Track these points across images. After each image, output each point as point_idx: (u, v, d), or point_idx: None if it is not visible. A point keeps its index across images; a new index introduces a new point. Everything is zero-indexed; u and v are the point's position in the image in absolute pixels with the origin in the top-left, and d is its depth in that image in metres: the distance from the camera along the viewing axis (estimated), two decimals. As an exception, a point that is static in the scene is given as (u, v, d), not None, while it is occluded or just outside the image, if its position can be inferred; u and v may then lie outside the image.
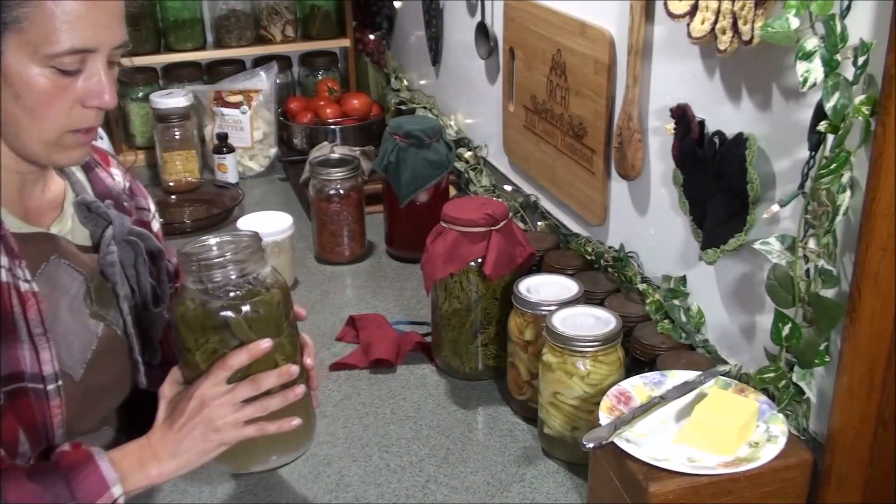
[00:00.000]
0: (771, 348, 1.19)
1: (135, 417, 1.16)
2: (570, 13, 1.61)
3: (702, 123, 1.25)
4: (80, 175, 1.16)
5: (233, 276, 1.02)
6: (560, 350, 1.30)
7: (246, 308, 1.02)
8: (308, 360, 1.12)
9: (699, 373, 1.24)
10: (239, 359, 1.02)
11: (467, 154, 2.20)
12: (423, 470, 1.36)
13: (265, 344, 1.03)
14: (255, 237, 1.07)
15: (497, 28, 1.96)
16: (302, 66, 2.90)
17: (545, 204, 1.86)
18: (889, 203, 0.96)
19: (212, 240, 1.07)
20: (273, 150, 2.61)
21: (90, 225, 1.12)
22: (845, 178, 1.02)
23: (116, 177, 1.21)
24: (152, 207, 1.28)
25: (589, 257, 1.62)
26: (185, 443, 1.02)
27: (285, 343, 1.07)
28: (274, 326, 1.05)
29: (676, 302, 1.39)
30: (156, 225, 1.28)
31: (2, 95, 0.96)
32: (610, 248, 1.59)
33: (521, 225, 1.80)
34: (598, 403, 1.22)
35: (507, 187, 2.01)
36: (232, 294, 1.02)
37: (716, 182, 1.22)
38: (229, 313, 1.02)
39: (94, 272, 1.10)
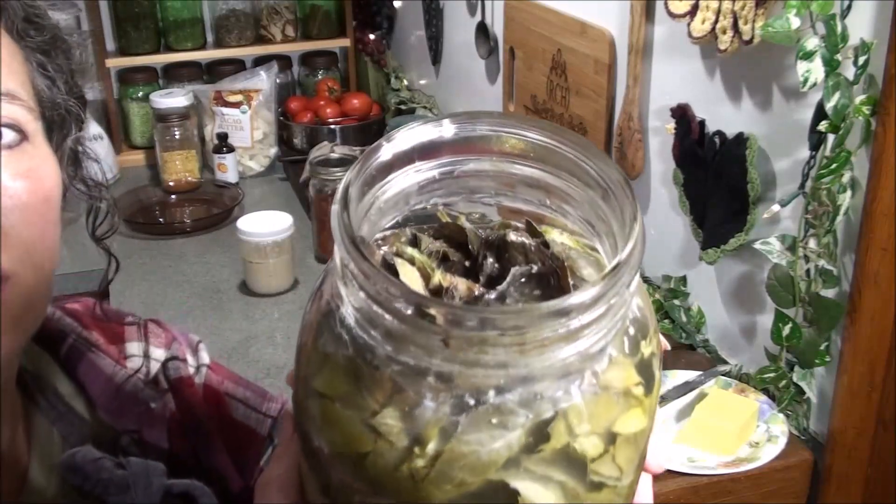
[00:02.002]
0: (771, 348, 1.19)
1: None
2: (571, 13, 1.61)
3: (702, 123, 1.25)
4: (62, 383, 0.62)
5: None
6: (560, 350, 1.29)
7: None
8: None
9: (699, 373, 1.24)
10: None
11: (467, 154, 2.19)
12: (423, 470, 1.35)
13: None
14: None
15: (497, 28, 1.96)
16: (302, 66, 2.90)
17: (545, 204, 1.86)
18: (889, 203, 0.96)
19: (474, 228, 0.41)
20: (273, 150, 2.60)
21: (97, 490, 0.57)
22: (846, 178, 1.02)
23: (134, 358, 0.66)
24: (191, 356, 0.71)
25: (589, 257, 1.62)
26: None
27: None
28: None
29: (677, 302, 1.39)
30: (200, 377, 0.70)
31: None
32: (610, 247, 1.59)
33: (521, 225, 1.80)
34: (598, 403, 1.22)
35: (508, 187, 2.01)
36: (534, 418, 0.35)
37: (716, 182, 1.21)
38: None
39: None
